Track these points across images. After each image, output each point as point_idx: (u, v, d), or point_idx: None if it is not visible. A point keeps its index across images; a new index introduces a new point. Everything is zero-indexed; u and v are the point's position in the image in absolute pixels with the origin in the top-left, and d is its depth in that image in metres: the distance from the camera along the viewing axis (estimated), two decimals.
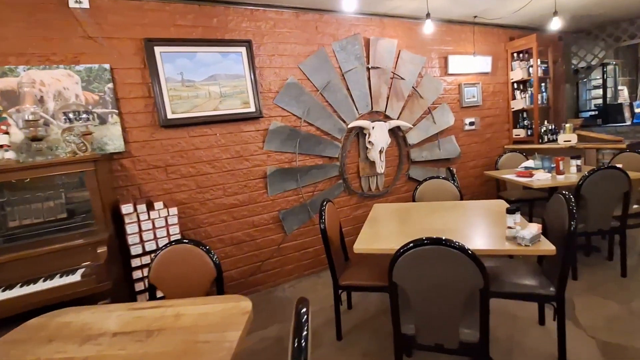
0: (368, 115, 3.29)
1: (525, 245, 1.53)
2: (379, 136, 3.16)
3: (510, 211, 1.65)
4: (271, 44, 2.83)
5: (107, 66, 2.27)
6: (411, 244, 1.30)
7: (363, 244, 1.80)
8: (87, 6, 2.21)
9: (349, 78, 3.15)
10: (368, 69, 3.24)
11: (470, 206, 2.30)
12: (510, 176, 3.04)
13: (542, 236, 1.62)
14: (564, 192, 1.79)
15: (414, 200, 2.70)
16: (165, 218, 2.20)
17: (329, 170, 3.13)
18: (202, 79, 2.57)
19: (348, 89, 3.16)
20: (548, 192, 2.93)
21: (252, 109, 2.74)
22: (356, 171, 3.30)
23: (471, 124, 3.97)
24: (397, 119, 3.41)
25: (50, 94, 2.13)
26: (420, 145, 3.60)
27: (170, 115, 2.47)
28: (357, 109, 3.21)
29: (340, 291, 2.07)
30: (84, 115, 2.21)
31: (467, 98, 3.90)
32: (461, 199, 2.63)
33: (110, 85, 2.28)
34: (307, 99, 2.97)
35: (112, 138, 2.30)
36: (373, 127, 3.16)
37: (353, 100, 3.18)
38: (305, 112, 2.97)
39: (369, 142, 3.17)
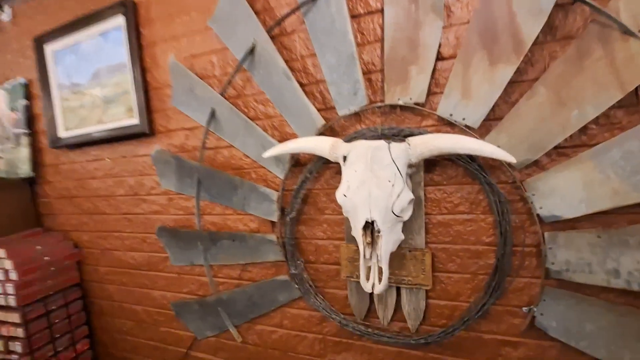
0: (376, 115, 1.16)
1: None
2: (359, 183, 1.02)
3: None
4: None
5: (22, 80, 1.98)
6: None
7: None
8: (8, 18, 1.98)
9: (313, 26, 1.19)
10: None
11: None
12: None
13: None
14: None
15: None
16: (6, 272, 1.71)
17: (257, 246, 1.40)
18: (86, 80, 1.75)
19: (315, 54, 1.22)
20: None
21: (135, 119, 1.61)
22: (337, 260, 1.31)
23: None
24: (484, 127, 1.00)
25: None
26: (599, 222, 0.92)
27: (62, 134, 1.88)
28: (334, 102, 1.20)
29: None
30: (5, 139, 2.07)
31: None
32: None
33: (23, 101, 1.99)
34: (203, 92, 1.40)
35: (22, 161, 2.03)
36: (345, 157, 1.06)
37: (327, 79, 1.20)
38: (209, 120, 1.42)
39: (337, 196, 1.10)
